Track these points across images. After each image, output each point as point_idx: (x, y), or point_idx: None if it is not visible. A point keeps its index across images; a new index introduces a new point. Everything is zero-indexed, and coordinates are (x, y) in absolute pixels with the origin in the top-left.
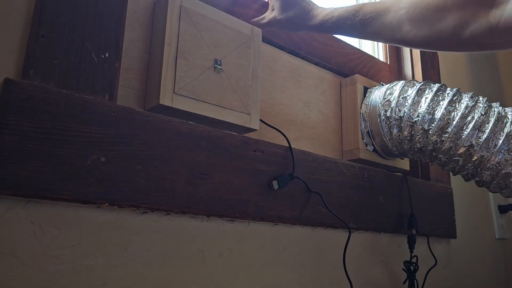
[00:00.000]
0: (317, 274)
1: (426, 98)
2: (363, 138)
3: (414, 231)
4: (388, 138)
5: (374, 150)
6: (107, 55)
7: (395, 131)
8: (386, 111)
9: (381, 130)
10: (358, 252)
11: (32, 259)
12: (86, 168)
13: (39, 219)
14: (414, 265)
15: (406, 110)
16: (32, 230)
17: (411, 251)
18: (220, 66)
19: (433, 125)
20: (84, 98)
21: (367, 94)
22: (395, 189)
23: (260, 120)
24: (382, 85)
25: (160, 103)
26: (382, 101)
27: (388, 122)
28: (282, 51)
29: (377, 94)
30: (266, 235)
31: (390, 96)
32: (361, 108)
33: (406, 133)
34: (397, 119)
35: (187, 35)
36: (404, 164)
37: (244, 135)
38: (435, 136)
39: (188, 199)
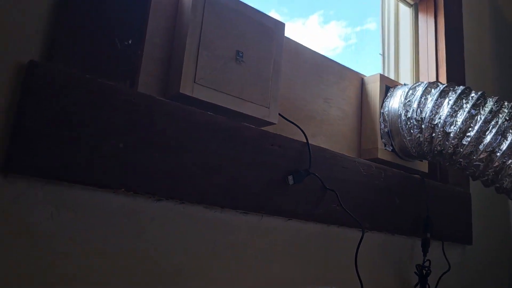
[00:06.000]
0: (328, 271)
1: (449, 100)
2: (382, 138)
3: (428, 235)
4: (407, 139)
5: (393, 150)
6: (130, 42)
7: (415, 132)
8: (407, 111)
9: (401, 131)
10: (370, 252)
11: (47, 239)
12: (104, 153)
13: (56, 201)
14: (426, 269)
15: (428, 112)
16: (49, 211)
17: (425, 255)
18: (242, 57)
19: (454, 128)
20: (105, 83)
21: (389, 94)
22: (412, 191)
23: (279, 114)
24: (405, 85)
25: (180, 92)
26: (403, 101)
27: (408, 123)
28: (305, 45)
29: (399, 94)
30: (279, 229)
31: (412, 97)
32: (381, 107)
33: (427, 135)
34: (418, 120)
35: (211, 25)
36: (423, 166)
37: (262, 128)
38: (456, 140)
39: (203, 190)
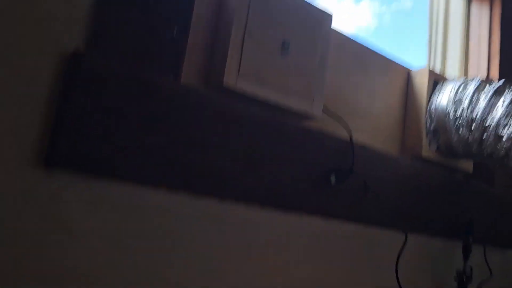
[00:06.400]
0: (366, 273)
1: (505, 100)
2: (426, 135)
3: (470, 239)
4: (455, 139)
5: (438, 149)
6: (175, 32)
7: (464, 132)
8: (456, 110)
9: (448, 129)
10: (408, 255)
11: (83, 235)
12: (145, 149)
13: (94, 196)
14: (467, 275)
15: (480, 112)
16: (87, 206)
17: (465, 260)
18: (288, 48)
19: (508, 130)
20: (148, 75)
21: (437, 89)
22: (455, 192)
23: (323, 109)
24: (455, 80)
25: (224, 84)
26: (453, 99)
27: (457, 122)
28: (351, 37)
29: (448, 89)
30: (317, 229)
31: (463, 95)
32: (428, 103)
33: (477, 136)
34: (468, 120)
35: (257, 15)
36: (468, 166)
37: (305, 124)
38: (509, 143)
39: (243, 187)
